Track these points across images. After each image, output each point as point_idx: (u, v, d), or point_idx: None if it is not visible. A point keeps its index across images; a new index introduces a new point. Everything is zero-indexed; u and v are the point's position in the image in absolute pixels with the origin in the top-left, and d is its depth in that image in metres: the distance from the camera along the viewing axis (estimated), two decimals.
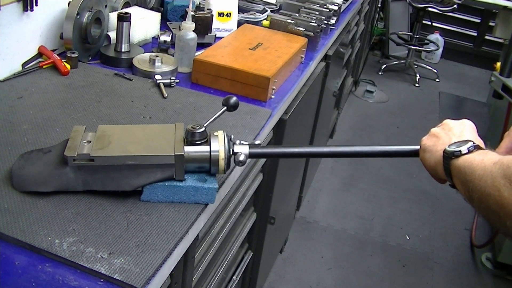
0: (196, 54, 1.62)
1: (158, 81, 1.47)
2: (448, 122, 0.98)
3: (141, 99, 1.39)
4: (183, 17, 1.80)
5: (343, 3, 2.44)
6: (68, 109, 1.29)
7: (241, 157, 1.01)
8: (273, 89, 1.53)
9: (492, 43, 5.28)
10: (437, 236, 2.91)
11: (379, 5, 4.65)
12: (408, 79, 4.98)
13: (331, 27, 2.20)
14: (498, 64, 2.76)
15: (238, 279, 1.68)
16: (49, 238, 0.88)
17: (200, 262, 1.23)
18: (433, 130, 0.98)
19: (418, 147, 0.99)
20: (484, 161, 0.80)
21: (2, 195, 0.96)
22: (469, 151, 0.84)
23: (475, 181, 0.79)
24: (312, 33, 1.92)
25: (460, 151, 0.85)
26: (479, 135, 0.94)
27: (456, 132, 0.93)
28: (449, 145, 0.89)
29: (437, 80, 5.03)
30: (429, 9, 4.72)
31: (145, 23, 1.76)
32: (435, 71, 5.07)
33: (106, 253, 0.87)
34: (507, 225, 0.74)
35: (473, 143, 0.86)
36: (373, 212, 3.02)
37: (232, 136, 1.06)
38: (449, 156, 0.86)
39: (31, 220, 0.92)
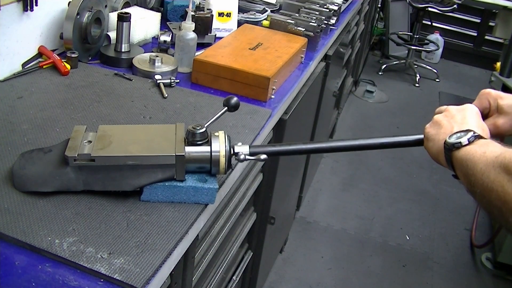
0: (196, 54, 1.62)
1: (158, 81, 1.47)
2: (450, 108, 0.96)
3: (141, 99, 1.39)
4: (183, 17, 1.80)
5: (343, 3, 2.44)
6: (68, 109, 1.29)
7: (241, 157, 1.02)
8: (273, 89, 1.53)
9: (492, 43, 5.28)
10: (437, 236, 2.91)
11: (379, 5, 4.65)
12: (408, 79, 4.98)
13: (331, 27, 2.20)
14: (498, 64, 2.76)
15: (238, 279, 1.68)
16: (49, 238, 0.88)
17: (200, 262, 1.23)
18: (436, 117, 0.96)
19: (422, 136, 0.98)
20: (485, 154, 0.79)
21: (2, 195, 0.96)
22: (470, 142, 0.84)
23: (477, 175, 0.79)
24: (312, 33, 1.92)
25: (460, 142, 0.85)
26: None
27: (458, 120, 0.92)
28: (449, 136, 0.88)
29: (437, 80, 5.03)
30: (429, 9, 4.72)
31: (145, 23, 1.76)
32: (435, 71, 5.07)
33: (106, 253, 0.87)
34: (509, 221, 0.74)
35: (474, 132, 0.85)
36: (373, 212, 3.02)
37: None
38: (450, 148, 0.86)
39: (31, 220, 0.92)
